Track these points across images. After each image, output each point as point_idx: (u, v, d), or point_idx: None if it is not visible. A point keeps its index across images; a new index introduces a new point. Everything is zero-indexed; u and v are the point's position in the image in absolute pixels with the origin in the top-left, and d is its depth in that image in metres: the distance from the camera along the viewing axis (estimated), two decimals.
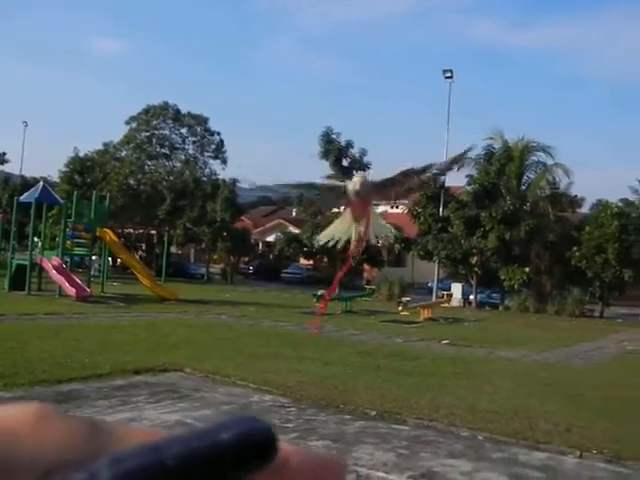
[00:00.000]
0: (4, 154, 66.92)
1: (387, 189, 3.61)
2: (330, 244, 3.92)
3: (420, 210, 40.14)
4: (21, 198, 31.08)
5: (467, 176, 41.79)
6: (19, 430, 0.41)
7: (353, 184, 3.30)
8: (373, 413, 9.61)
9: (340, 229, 3.83)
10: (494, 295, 40.03)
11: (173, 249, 50.42)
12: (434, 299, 36.49)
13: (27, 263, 27.40)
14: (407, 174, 3.51)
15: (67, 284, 25.55)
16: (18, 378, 10.54)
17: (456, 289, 39.76)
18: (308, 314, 23.52)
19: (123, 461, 0.40)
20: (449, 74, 44.79)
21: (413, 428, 9.10)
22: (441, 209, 40.10)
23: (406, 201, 41.43)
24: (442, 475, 7.17)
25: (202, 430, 0.41)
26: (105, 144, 54.43)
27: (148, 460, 0.40)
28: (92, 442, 0.42)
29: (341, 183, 3.44)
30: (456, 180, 42.21)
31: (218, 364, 12.51)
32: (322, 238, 3.91)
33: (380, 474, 6.95)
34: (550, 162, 42.23)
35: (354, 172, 45.76)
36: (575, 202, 45.45)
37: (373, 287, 39.13)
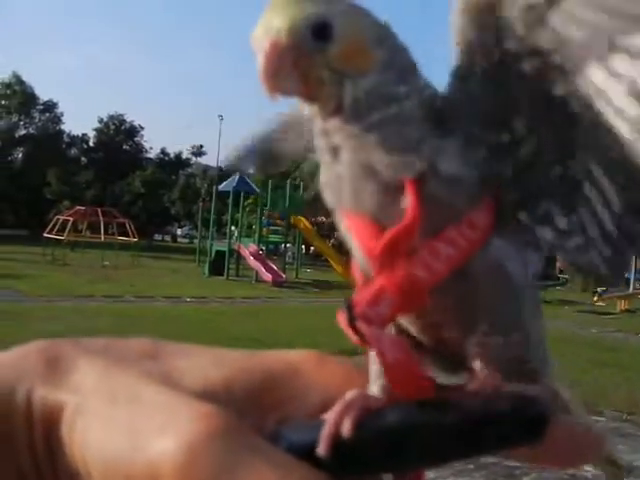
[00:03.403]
0: (201, 147, 70.25)
1: None
2: None
3: None
4: (219, 187, 32.48)
5: None
6: (302, 368, 0.51)
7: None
8: None
9: None
10: None
11: None
12: (631, 290, 34.99)
13: (225, 249, 28.62)
14: None
15: (263, 270, 26.47)
16: None
17: None
18: None
19: (405, 410, 0.49)
20: None
21: (610, 420, 8.88)
22: None
23: None
24: None
25: (483, 395, 0.50)
26: None
27: (428, 416, 0.48)
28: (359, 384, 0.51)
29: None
30: None
31: None
32: None
33: None
34: None
35: None
36: None
37: (566, 276, 38.01)
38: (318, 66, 0.59)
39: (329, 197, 0.61)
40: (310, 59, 0.59)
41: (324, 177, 0.62)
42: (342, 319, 0.57)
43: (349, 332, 0.57)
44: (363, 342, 0.56)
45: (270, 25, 0.58)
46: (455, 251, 0.56)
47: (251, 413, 0.45)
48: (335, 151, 0.60)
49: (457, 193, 0.58)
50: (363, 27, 0.61)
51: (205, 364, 0.46)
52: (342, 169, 0.59)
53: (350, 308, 0.57)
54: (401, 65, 0.62)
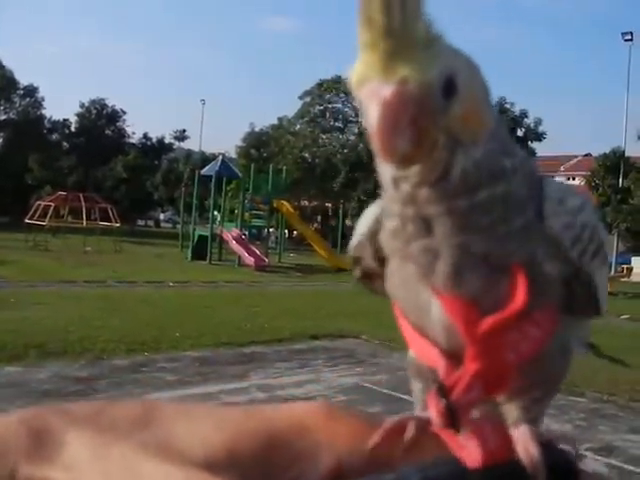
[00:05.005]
0: (184, 131, 69.93)
1: None
2: None
3: (599, 181, 38.74)
4: (202, 171, 32.39)
5: None
6: (311, 424, 0.49)
7: None
8: None
9: None
10: None
11: (348, 222, 51.11)
12: (613, 273, 35.22)
13: (208, 234, 28.58)
14: None
15: (246, 254, 26.49)
16: (204, 340, 11.13)
17: (637, 263, 38.18)
18: None
19: (429, 469, 0.49)
20: (629, 37, 42.73)
21: (591, 401, 8.94)
22: (621, 180, 38.55)
23: (583, 172, 40.14)
24: (623, 450, 7.02)
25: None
26: (279, 119, 55.88)
27: (451, 470, 0.49)
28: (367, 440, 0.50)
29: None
30: (637, 149, 40.51)
31: (395, 331, 12.64)
32: None
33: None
34: None
35: (529, 143, 44.95)
36: None
37: None
38: (437, 127, 0.52)
39: (413, 269, 0.57)
40: (432, 117, 0.51)
41: (402, 244, 0.57)
42: (434, 403, 0.55)
43: (437, 416, 0.55)
44: (452, 426, 0.54)
45: (392, 71, 0.50)
46: (540, 333, 0.57)
47: (259, 476, 0.43)
48: (425, 222, 0.54)
49: (551, 277, 0.57)
50: (478, 86, 0.55)
51: (204, 428, 0.44)
52: (437, 244, 0.55)
53: (444, 394, 0.55)
54: (501, 131, 0.57)
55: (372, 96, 0.50)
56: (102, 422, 0.43)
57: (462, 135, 0.52)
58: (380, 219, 0.61)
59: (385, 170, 0.55)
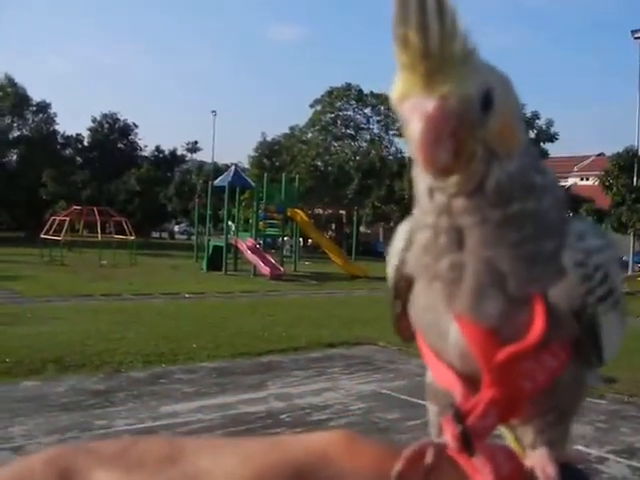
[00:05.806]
0: (196, 143, 70.17)
1: None
2: None
3: (612, 181, 38.49)
4: (215, 182, 32.48)
5: None
6: (333, 452, 0.48)
7: None
8: None
9: None
10: None
11: (362, 228, 51.01)
12: (629, 273, 35.00)
13: (223, 245, 28.62)
14: None
15: (261, 263, 26.52)
16: (220, 350, 11.15)
17: None
18: None
19: None
20: (639, 35, 42.50)
21: (612, 403, 8.89)
22: (635, 179, 38.32)
23: (597, 172, 39.97)
24: None
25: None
26: (291, 127, 55.92)
27: None
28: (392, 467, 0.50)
29: None
30: None
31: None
32: None
33: (578, 447, 6.84)
34: None
35: (541, 144, 44.84)
36: None
37: None
38: (475, 139, 0.54)
39: (438, 291, 0.58)
40: (470, 130, 0.54)
41: (432, 259, 0.58)
42: (449, 428, 0.57)
43: (453, 441, 0.56)
44: (466, 452, 0.55)
45: (433, 87, 0.53)
46: (556, 363, 0.59)
47: None
48: (458, 234, 0.57)
49: (567, 310, 0.59)
50: (512, 101, 0.58)
51: (229, 463, 0.44)
52: (466, 260, 0.57)
53: (460, 419, 0.57)
54: (531, 147, 0.60)
55: (414, 110, 0.53)
56: (129, 460, 0.43)
57: (498, 148, 0.55)
58: (411, 237, 0.62)
59: (421, 181, 0.58)
